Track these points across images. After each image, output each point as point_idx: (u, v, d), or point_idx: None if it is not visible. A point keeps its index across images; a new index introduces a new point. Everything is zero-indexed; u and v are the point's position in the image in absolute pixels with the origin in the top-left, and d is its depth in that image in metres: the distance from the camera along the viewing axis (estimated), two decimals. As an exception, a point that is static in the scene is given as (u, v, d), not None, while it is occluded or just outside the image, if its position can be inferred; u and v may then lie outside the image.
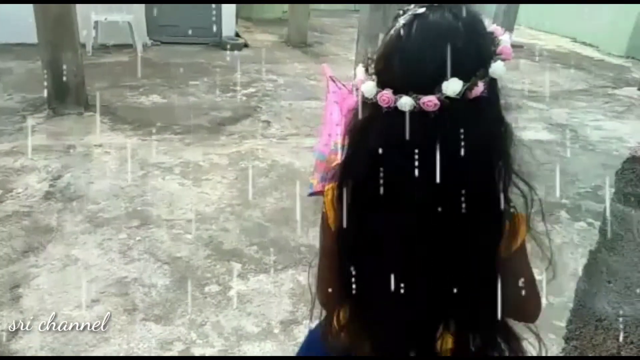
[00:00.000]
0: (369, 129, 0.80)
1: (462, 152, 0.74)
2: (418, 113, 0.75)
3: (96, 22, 7.25)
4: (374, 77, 0.80)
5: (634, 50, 9.62)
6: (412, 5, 0.80)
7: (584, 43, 10.44)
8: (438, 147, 0.74)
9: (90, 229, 3.13)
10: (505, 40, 0.78)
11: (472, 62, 0.76)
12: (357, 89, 0.81)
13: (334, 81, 1.47)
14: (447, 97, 0.74)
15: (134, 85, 6.04)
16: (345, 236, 0.86)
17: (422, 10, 0.78)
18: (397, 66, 0.78)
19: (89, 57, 6.76)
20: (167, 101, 5.76)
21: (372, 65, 0.82)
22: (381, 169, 0.78)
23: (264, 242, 3.11)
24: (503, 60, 0.77)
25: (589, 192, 4.02)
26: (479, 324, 0.87)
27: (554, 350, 2.34)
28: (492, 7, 8.86)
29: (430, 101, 0.74)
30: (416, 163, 0.75)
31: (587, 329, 1.48)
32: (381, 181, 0.78)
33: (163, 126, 4.90)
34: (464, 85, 0.74)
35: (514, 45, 0.80)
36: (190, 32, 8.68)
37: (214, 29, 8.84)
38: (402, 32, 0.77)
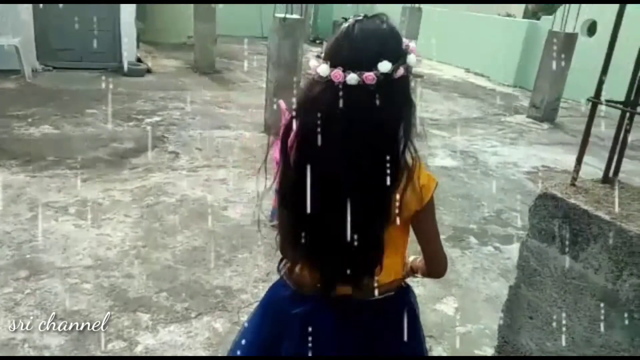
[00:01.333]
0: (320, 99, 1.08)
1: (386, 114, 1.07)
2: (360, 86, 1.05)
3: (-24, 46, 6.58)
4: (326, 62, 1.08)
5: (520, 80, 10.56)
6: (351, 16, 1.12)
7: (476, 73, 11.29)
8: (374, 109, 1.05)
9: (-33, 283, 2.72)
10: (412, 44, 1.11)
11: (396, 53, 1.08)
12: (313, 71, 1.10)
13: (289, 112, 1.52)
14: (381, 74, 1.04)
15: (22, 114, 5.52)
16: (291, 189, 1.16)
17: (359, 17, 1.11)
18: (346, 52, 1.07)
19: (-32, 85, 6.11)
20: (60, 132, 5.30)
21: (322, 56, 1.10)
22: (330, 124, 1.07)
23: (175, 287, 2.88)
24: (414, 54, 1.10)
25: (492, 217, 4.22)
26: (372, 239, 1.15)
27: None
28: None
29: (369, 76, 1.04)
30: (356, 122, 1.06)
31: (512, 366, 1.47)
32: (327, 138, 1.07)
33: (56, 160, 4.48)
34: (392, 67, 1.05)
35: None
36: (86, 56, 8.20)
37: (113, 53, 8.43)
38: (348, 30, 1.09)
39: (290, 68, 5.76)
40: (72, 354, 2.31)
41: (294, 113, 1.13)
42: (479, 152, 6.00)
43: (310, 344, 1.21)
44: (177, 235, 3.43)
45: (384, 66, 1.04)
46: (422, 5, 10.76)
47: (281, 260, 1.29)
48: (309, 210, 1.11)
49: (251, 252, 3.29)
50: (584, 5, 8.03)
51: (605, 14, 9.05)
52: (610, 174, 1.44)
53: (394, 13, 12.13)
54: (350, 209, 1.08)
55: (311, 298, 1.23)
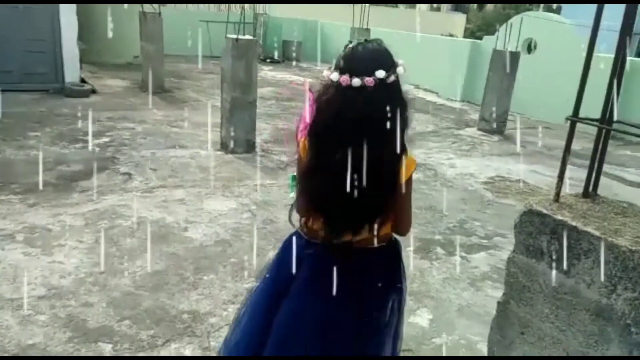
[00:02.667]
0: (333, 98, 1.43)
1: (383, 108, 1.41)
2: (362, 88, 1.40)
3: None
4: (337, 70, 1.44)
5: (467, 95, 10.96)
6: (355, 39, 1.51)
7: (426, 89, 11.60)
8: (372, 106, 1.41)
9: None
10: (401, 61, 1.46)
11: (388, 64, 1.43)
12: (326, 78, 1.46)
13: (311, 92, 1.75)
14: (378, 79, 1.40)
15: (-42, 138, 5.17)
16: (311, 164, 1.51)
17: (361, 41, 1.49)
18: (352, 64, 1.43)
19: None
20: (1, 156, 5.01)
21: (333, 67, 1.46)
22: (340, 120, 1.43)
23: (138, 314, 2.73)
24: (402, 67, 1.46)
25: (456, 227, 4.29)
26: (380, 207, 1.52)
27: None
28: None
29: (369, 80, 1.39)
30: (360, 114, 1.41)
31: (505, 382, 1.47)
32: (339, 127, 1.43)
33: (-1, 186, 4.21)
34: (385, 74, 1.41)
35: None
36: (26, 78, 7.87)
37: (55, 74, 8.09)
38: (354, 49, 1.46)
39: (245, 87, 5.73)
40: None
41: (314, 108, 1.48)
42: (437, 165, 6.13)
43: (316, 276, 1.59)
44: (137, 260, 3.28)
45: (380, 73, 1.40)
46: (371, 27, 10.99)
47: (299, 218, 1.64)
48: (327, 177, 1.47)
49: (217, 274, 3.19)
50: (523, 25, 8.45)
51: (543, 33, 9.59)
52: (590, 188, 1.48)
53: (342, 32, 12.32)
54: (357, 175, 1.42)
55: (320, 244, 1.59)
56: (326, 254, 1.58)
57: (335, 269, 1.54)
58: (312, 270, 1.61)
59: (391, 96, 1.42)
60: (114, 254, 3.33)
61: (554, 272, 1.35)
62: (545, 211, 1.40)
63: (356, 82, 1.38)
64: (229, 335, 1.85)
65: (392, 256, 1.68)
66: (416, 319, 2.92)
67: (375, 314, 1.61)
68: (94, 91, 8.29)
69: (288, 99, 9.36)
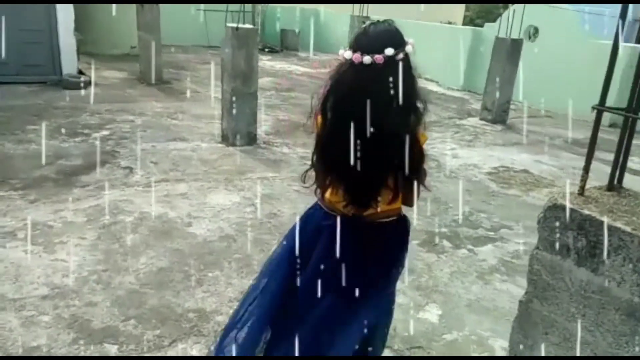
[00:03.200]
0: (346, 74, 1.54)
1: (391, 83, 1.49)
2: (372, 65, 1.50)
3: None
4: (350, 49, 1.54)
5: (468, 84, 10.86)
6: (368, 21, 1.67)
7: (426, 79, 11.49)
8: (382, 81, 1.50)
9: None
10: (411, 40, 1.56)
11: (397, 43, 1.52)
12: (341, 57, 1.56)
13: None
14: (387, 56, 1.49)
15: (-45, 133, 5.09)
16: (327, 136, 1.62)
17: (374, 22, 1.60)
18: (363, 43, 1.53)
19: None
20: (0, 151, 4.92)
21: (348, 46, 1.56)
22: (352, 94, 1.52)
23: (143, 313, 2.68)
24: (411, 45, 1.55)
25: (462, 219, 4.25)
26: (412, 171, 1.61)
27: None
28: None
29: (379, 57, 1.49)
30: (371, 88, 1.51)
31: (527, 383, 1.42)
32: (352, 101, 1.51)
33: (-2, 181, 4.15)
34: (394, 52, 1.50)
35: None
36: (23, 70, 7.77)
37: (52, 66, 7.99)
38: (365, 29, 1.58)
39: (246, 77, 5.64)
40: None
41: (329, 85, 1.58)
42: (440, 155, 6.06)
43: (334, 243, 1.68)
44: (140, 256, 3.22)
45: (389, 51, 1.49)
46: (371, 15, 10.86)
47: (317, 189, 1.76)
48: (342, 148, 1.54)
49: (222, 270, 3.14)
50: (525, 12, 8.35)
51: (544, 19, 9.47)
52: (615, 181, 1.42)
53: (341, 21, 12.19)
54: (369, 145, 1.51)
55: (336, 216, 1.73)
56: (343, 226, 1.70)
57: (350, 240, 1.68)
58: (330, 240, 1.71)
59: (400, 72, 1.51)
60: (117, 250, 3.28)
61: (581, 269, 1.29)
62: (571, 206, 1.34)
63: (367, 59, 1.49)
64: (245, 298, 1.93)
65: (401, 232, 1.81)
66: (425, 315, 2.87)
67: (379, 280, 1.77)
68: (91, 83, 8.20)
69: (287, 89, 9.27)
